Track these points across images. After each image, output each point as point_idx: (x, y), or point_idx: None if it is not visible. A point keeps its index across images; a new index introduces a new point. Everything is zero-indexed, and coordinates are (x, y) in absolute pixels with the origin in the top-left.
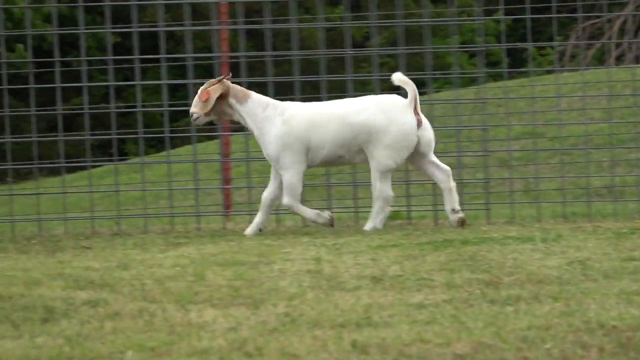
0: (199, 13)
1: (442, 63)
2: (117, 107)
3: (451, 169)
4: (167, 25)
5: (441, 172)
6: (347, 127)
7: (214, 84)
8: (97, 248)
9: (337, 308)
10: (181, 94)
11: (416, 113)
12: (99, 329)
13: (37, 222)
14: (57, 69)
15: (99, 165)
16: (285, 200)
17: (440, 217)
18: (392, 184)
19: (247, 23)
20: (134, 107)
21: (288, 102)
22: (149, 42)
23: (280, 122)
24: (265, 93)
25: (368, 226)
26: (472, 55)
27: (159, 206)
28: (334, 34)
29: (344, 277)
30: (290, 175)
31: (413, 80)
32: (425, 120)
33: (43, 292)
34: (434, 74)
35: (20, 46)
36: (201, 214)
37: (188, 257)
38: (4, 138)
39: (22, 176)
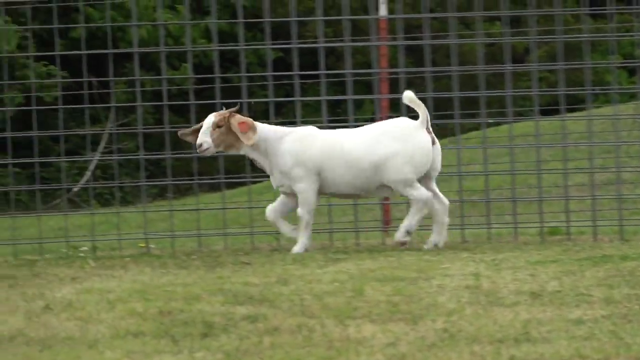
0: (359, 29)
1: (600, 79)
2: (277, 124)
3: (611, 184)
4: (327, 41)
5: (440, 204)
6: (366, 169)
7: (225, 117)
8: (257, 263)
9: (495, 323)
10: (341, 110)
11: (428, 132)
12: (258, 344)
13: (197, 237)
14: (217, 85)
15: (258, 181)
16: (301, 211)
17: (599, 232)
18: (552, 200)
19: (406, 39)
20: (294, 123)
21: (295, 127)
22: (310, 58)
23: (290, 140)
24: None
25: (402, 227)
26: (631, 71)
27: (319, 222)
28: (493, 49)
29: (502, 293)
30: (304, 187)
31: (571, 96)
32: (437, 141)
33: (202, 308)
34: (594, 90)
35: (185, 65)
36: (360, 229)
37: (347, 272)
38: (164, 154)
39: (182, 192)
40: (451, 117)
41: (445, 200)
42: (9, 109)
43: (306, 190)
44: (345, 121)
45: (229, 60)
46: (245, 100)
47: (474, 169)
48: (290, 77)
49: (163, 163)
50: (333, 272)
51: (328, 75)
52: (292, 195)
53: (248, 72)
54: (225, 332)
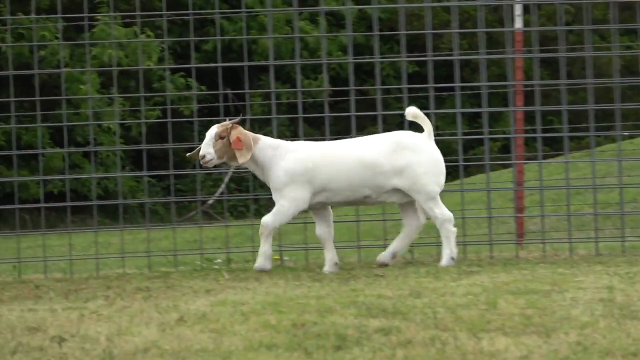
0: (495, 41)
1: None
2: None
3: None
4: (462, 53)
5: (416, 219)
6: (376, 172)
7: (227, 128)
8: (390, 276)
9: (629, 337)
10: (477, 123)
11: None
12: (391, 356)
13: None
14: (352, 98)
15: None
16: (269, 219)
17: None
18: None
19: (542, 51)
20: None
21: (301, 142)
22: (445, 70)
23: (292, 159)
24: (559, 121)
25: (445, 259)
26: None
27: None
28: (630, 61)
29: (636, 306)
30: (287, 206)
31: None
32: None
33: (336, 320)
34: None
35: (321, 77)
36: (494, 242)
37: (480, 285)
38: None
39: None
40: (586, 129)
41: (423, 220)
42: (144, 121)
43: (289, 208)
44: (481, 133)
45: (365, 73)
46: (245, 116)
47: (609, 182)
48: (425, 89)
49: None
50: (466, 284)
51: (463, 88)
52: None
53: (383, 84)
54: (358, 345)
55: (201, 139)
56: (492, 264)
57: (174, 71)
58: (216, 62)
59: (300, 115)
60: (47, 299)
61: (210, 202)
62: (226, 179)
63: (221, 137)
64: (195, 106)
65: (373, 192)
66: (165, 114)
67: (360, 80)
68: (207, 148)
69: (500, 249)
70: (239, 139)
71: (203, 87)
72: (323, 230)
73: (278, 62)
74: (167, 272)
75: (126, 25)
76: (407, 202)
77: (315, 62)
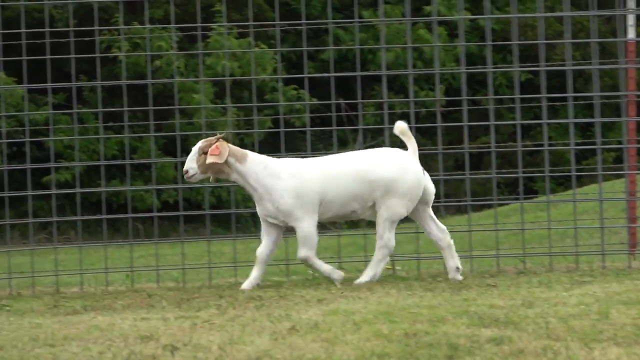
0: (608, 51)
1: None
2: (524, 146)
3: None
4: (575, 64)
5: (439, 230)
6: (367, 183)
7: (213, 142)
8: (502, 286)
9: None
10: (590, 132)
11: None
12: None
13: (442, 259)
14: (465, 108)
15: (505, 204)
16: (302, 253)
17: None
18: None
19: None
20: (541, 145)
21: (287, 159)
22: (558, 81)
23: (287, 176)
24: None
25: (366, 276)
26: None
27: (565, 244)
28: None
29: None
30: (305, 225)
31: None
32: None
33: (448, 330)
34: None
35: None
36: (606, 252)
37: (593, 295)
38: None
39: None
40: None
41: (443, 226)
42: (257, 130)
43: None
44: (594, 143)
45: (478, 83)
46: (233, 130)
47: None
48: (538, 99)
49: None
50: (579, 294)
51: (576, 98)
52: (277, 226)
53: (496, 94)
54: (470, 355)
55: (314, 149)
56: (604, 274)
57: (286, 82)
58: (330, 72)
59: (413, 125)
60: (159, 307)
61: None
62: None
63: (204, 152)
64: (307, 116)
65: (360, 206)
66: (277, 124)
67: (472, 90)
68: (191, 163)
69: (613, 259)
70: (216, 147)
71: (314, 99)
72: (264, 250)
73: (390, 72)
74: (280, 282)
75: (240, 35)
76: (423, 216)
77: (427, 72)
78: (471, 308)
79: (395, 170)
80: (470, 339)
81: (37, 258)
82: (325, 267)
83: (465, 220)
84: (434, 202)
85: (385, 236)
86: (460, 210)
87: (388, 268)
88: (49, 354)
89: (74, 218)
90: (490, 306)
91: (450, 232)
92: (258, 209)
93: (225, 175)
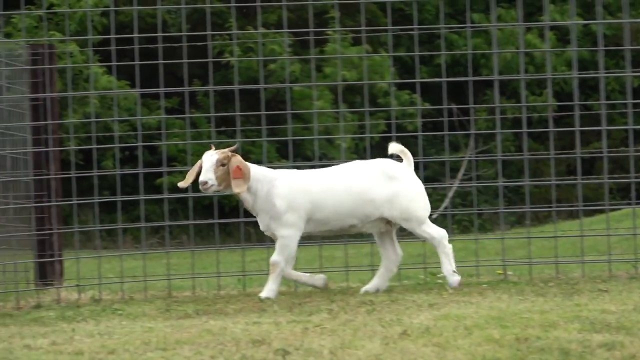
0: None
1: None
2: (637, 151)
3: None
4: None
5: (394, 252)
6: (368, 202)
7: (228, 155)
8: (614, 291)
9: None
10: None
11: None
12: None
13: (555, 264)
14: (577, 113)
15: (617, 209)
16: (276, 257)
17: None
18: None
19: None
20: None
21: (285, 170)
22: None
23: (285, 186)
24: None
25: (449, 277)
26: None
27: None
28: None
29: None
30: (288, 234)
31: None
32: None
33: (559, 335)
34: None
35: (546, 92)
36: None
37: None
38: (523, 181)
39: (540, 219)
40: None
41: (400, 252)
42: (369, 135)
43: (290, 236)
44: None
45: (590, 88)
46: (238, 140)
47: None
48: None
49: (522, 190)
50: None
51: None
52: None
53: (608, 99)
54: None
55: (426, 153)
56: None
57: (399, 86)
58: (442, 77)
59: (525, 130)
60: (271, 312)
61: (435, 216)
62: (450, 194)
63: (222, 165)
64: (419, 121)
65: (359, 221)
66: (389, 129)
67: (585, 95)
68: (209, 174)
69: None
70: (238, 168)
71: (426, 104)
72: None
73: (502, 77)
74: (391, 286)
75: (355, 42)
76: (385, 234)
77: (539, 77)
78: (583, 313)
79: (392, 186)
80: (581, 344)
81: (149, 262)
82: (277, 285)
83: (577, 225)
84: (545, 207)
85: (432, 232)
86: (572, 215)
87: (499, 273)
88: (161, 358)
89: (186, 222)
90: (602, 311)
91: (562, 237)
92: (259, 222)
93: (231, 190)
